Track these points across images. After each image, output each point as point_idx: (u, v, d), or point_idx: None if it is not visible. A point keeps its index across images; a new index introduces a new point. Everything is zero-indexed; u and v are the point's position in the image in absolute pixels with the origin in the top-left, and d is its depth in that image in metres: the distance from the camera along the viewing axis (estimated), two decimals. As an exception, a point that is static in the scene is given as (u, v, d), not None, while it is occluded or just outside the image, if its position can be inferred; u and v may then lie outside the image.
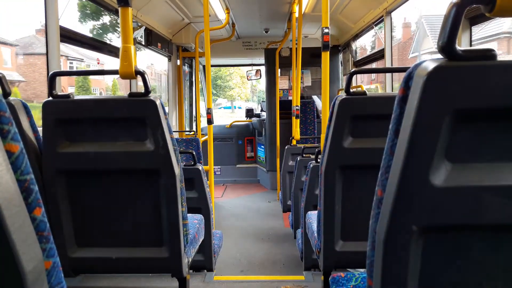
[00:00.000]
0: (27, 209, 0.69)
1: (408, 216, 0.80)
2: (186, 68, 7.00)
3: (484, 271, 0.82)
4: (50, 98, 1.69)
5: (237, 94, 36.72)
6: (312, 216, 2.47)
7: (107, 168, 1.72)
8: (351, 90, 1.83)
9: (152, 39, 4.96)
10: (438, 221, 0.79)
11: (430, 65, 0.74)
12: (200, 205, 2.73)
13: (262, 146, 7.23)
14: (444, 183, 0.77)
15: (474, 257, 0.82)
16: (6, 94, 1.51)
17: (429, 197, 0.78)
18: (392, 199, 0.80)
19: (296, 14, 4.98)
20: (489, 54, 0.73)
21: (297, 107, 5.12)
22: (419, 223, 0.80)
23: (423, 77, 0.74)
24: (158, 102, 1.65)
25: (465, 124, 0.76)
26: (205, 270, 3.00)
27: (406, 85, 0.80)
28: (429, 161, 0.76)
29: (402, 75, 0.84)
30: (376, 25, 4.65)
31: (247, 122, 7.82)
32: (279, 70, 6.64)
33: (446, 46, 0.73)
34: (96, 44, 3.64)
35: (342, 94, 1.82)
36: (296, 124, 5.10)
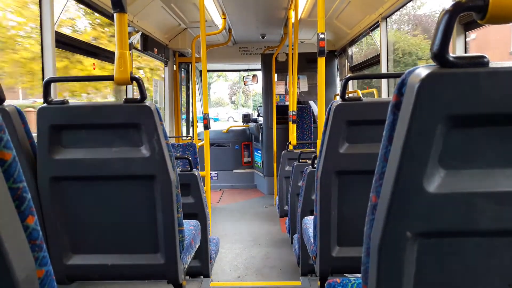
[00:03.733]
0: (20, 217, 0.68)
1: (402, 223, 0.80)
2: (182, 73, 7.00)
3: (477, 276, 0.82)
4: (45, 104, 1.69)
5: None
6: (309, 222, 2.46)
7: (102, 174, 1.71)
8: (347, 96, 1.84)
9: (149, 44, 4.96)
10: (432, 227, 0.80)
11: (423, 72, 0.74)
12: (197, 211, 2.72)
13: (259, 151, 7.23)
14: (438, 189, 0.77)
15: (468, 263, 0.82)
16: (1, 101, 1.51)
17: (423, 204, 0.78)
18: (386, 206, 0.80)
19: (293, 20, 5.01)
20: (481, 61, 0.74)
21: (293, 112, 5.13)
22: (413, 229, 0.80)
23: (416, 84, 0.74)
24: (153, 108, 1.65)
25: (458, 131, 0.76)
26: (202, 276, 2.98)
27: (400, 92, 0.80)
28: (422, 167, 0.77)
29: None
30: (372, 31, 4.68)
31: (244, 127, 7.82)
32: (275, 75, 6.66)
33: (438, 53, 0.74)
34: (92, 50, 3.64)
35: (338, 100, 1.83)
36: (292, 129, 5.11)
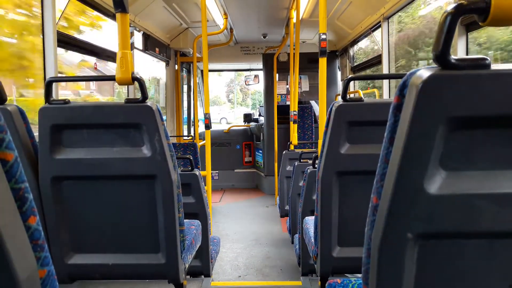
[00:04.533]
0: (22, 217, 0.68)
1: (403, 224, 0.80)
2: (184, 73, 7.01)
3: (478, 278, 0.82)
4: (47, 104, 1.69)
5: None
6: (309, 222, 2.47)
7: (104, 174, 1.72)
8: (348, 96, 1.84)
9: (150, 44, 4.97)
10: (433, 229, 0.80)
11: (425, 74, 0.74)
12: (198, 211, 2.73)
13: (260, 151, 7.23)
14: (439, 191, 0.77)
15: (468, 264, 0.82)
16: (2, 100, 1.51)
17: (423, 205, 0.78)
18: (387, 207, 0.80)
19: (294, 20, 5.01)
20: (482, 63, 0.74)
21: (295, 112, 5.13)
22: (414, 231, 0.80)
23: (418, 85, 0.74)
24: (155, 108, 1.65)
25: (459, 132, 0.76)
26: (203, 276, 2.99)
27: (401, 93, 0.80)
28: (423, 169, 0.77)
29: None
30: (373, 31, 4.67)
31: (245, 127, 7.83)
32: (277, 75, 6.66)
33: (440, 55, 0.74)
34: (93, 49, 3.64)
35: (339, 100, 1.83)
36: (294, 129, 5.11)
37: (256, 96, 28.28)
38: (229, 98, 32.64)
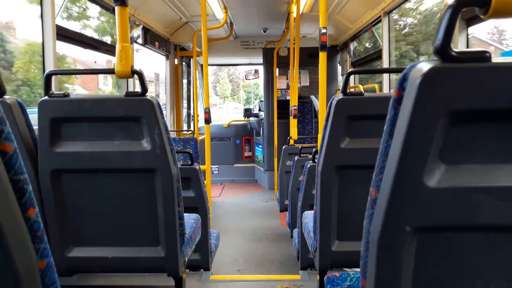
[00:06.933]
0: (21, 209, 0.68)
1: (402, 217, 0.80)
2: (184, 67, 6.99)
3: (476, 272, 0.83)
4: (46, 97, 1.69)
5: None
6: (309, 216, 2.47)
7: (104, 168, 1.72)
8: (349, 90, 1.84)
9: (150, 38, 4.95)
10: (432, 222, 0.80)
11: (425, 67, 0.74)
12: (197, 205, 2.73)
13: (260, 146, 7.24)
14: (438, 184, 0.77)
15: (467, 258, 0.82)
16: (1, 93, 1.51)
17: (422, 198, 0.78)
18: (386, 200, 0.80)
19: (294, 14, 4.99)
20: (483, 56, 0.74)
21: (294, 107, 5.13)
22: (413, 224, 0.80)
23: (418, 78, 0.74)
24: (154, 102, 1.65)
25: (459, 126, 0.76)
26: (202, 270, 3.00)
27: (401, 86, 0.80)
28: (423, 162, 0.77)
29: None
30: (374, 26, 4.66)
31: (245, 122, 7.83)
32: (277, 69, 6.65)
33: (441, 47, 0.73)
34: (93, 43, 3.63)
35: (339, 94, 1.83)
36: (293, 124, 5.11)
37: (252, 89, 24.62)
38: (216, 89, 27.92)
